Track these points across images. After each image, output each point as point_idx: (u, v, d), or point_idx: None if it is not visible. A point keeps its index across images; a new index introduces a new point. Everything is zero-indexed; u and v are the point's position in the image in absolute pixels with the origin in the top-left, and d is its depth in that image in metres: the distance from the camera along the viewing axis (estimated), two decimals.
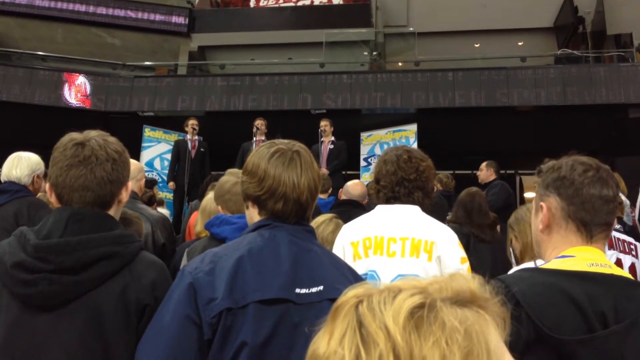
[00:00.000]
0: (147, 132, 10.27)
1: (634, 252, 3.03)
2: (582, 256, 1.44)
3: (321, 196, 5.88)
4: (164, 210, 7.43)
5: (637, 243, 3.04)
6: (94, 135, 1.67)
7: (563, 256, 1.46)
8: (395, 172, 2.41)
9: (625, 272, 1.47)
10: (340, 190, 5.01)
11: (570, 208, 1.48)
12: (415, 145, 9.02)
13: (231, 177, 2.59)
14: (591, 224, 1.46)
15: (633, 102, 9.76)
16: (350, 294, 0.66)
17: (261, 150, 1.64)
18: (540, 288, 1.36)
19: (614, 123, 10.11)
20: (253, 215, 1.64)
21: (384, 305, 0.62)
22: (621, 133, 10.10)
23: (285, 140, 1.68)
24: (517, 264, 2.53)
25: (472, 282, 0.66)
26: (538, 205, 1.56)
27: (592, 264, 1.41)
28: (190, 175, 8.17)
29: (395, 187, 2.41)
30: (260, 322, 1.38)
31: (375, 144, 10.11)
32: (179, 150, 8.46)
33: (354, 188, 4.52)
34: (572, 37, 12.68)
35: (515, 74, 10.32)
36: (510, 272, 1.81)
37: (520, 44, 13.84)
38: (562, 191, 1.49)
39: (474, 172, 7.11)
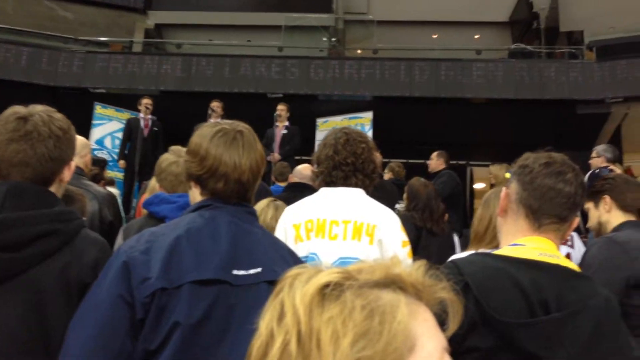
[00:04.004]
0: (98, 109, 10.00)
1: (569, 242, 3.15)
2: (533, 245, 1.49)
3: (279, 184, 5.88)
4: (114, 190, 7.27)
5: (573, 233, 3.14)
6: (38, 110, 1.62)
7: (515, 244, 1.51)
8: (333, 157, 2.40)
9: (572, 264, 1.51)
10: (290, 174, 5.02)
11: (523, 194, 1.53)
12: (370, 133, 9.08)
13: (170, 155, 2.52)
14: (539, 211, 1.51)
15: (581, 99, 10.08)
16: (287, 274, 0.68)
17: (204, 129, 1.62)
18: (489, 272, 1.41)
19: (562, 118, 10.41)
20: (195, 195, 1.63)
21: (301, 283, 0.64)
22: (568, 128, 10.41)
23: (230, 121, 1.66)
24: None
25: (407, 266, 0.67)
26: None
27: (542, 254, 1.45)
28: (142, 155, 8.03)
29: (332, 171, 2.40)
30: (194, 302, 1.37)
31: (331, 130, 10.13)
32: (130, 128, 8.31)
33: (304, 169, 4.53)
34: (526, 32, 12.94)
35: (470, 66, 10.49)
36: (463, 254, 1.86)
37: (476, 37, 14.04)
38: (520, 178, 1.55)
39: (427, 161, 7.22)
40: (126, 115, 9.72)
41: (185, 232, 1.47)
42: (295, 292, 0.63)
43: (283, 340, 0.61)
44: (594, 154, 5.46)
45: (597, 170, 5.00)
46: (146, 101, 8.36)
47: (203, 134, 1.60)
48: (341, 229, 2.31)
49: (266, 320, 0.64)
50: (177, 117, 8.77)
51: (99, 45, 12.52)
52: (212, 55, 11.30)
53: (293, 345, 0.60)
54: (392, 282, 0.65)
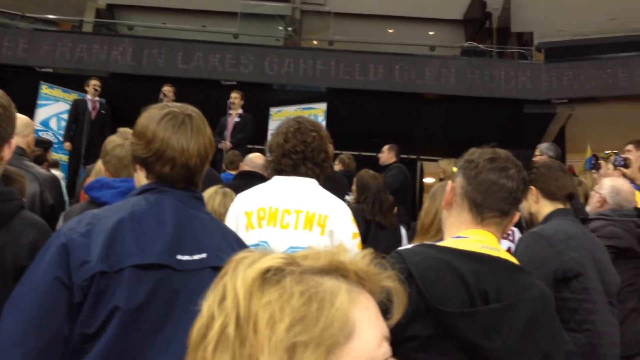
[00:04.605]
0: (44, 89, 9.66)
1: (510, 237, 3.24)
2: (475, 238, 1.53)
3: (230, 172, 5.82)
4: (58, 173, 7.06)
5: (514, 229, 3.23)
6: None
7: (458, 237, 1.55)
8: (282, 144, 2.38)
9: (512, 257, 1.56)
10: (242, 163, 4.97)
11: (468, 188, 1.58)
12: (324, 124, 9.10)
13: (117, 138, 2.44)
14: (482, 205, 1.55)
15: (528, 98, 10.37)
16: (232, 258, 0.68)
17: (152, 112, 1.57)
18: (432, 263, 1.43)
19: (510, 117, 10.70)
20: (141, 178, 1.59)
21: (244, 267, 0.64)
22: (516, 126, 10.71)
23: (179, 104, 1.63)
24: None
25: (352, 255, 0.67)
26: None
27: (483, 246, 1.49)
28: (89, 138, 7.83)
29: (282, 159, 2.38)
30: (136, 287, 1.34)
31: (285, 119, 10.09)
32: (77, 110, 8.08)
33: (256, 158, 4.50)
34: (479, 31, 13.20)
35: (423, 62, 10.65)
36: (409, 246, 1.89)
37: (431, 33, 14.23)
38: (466, 172, 1.60)
39: (378, 154, 7.30)
40: (73, 96, 9.42)
41: (129, 215, 1.43)
42: (237, 276, 0.63)
43: (222, 323, 0.61)
44: (537, 152, 5.62)
45: None
46: (94, 82, 8.15)
47: (151, 116, 1.56)
48: (293, 219, 2.30)
49: (208, 303, 0.65)
50: (127, 100, 8.56)
51: (47, 23, 12.11)
52: (165, 38, 11.08)
53: (231, 328, 0.60)
54: (335, 270, 0.65)
